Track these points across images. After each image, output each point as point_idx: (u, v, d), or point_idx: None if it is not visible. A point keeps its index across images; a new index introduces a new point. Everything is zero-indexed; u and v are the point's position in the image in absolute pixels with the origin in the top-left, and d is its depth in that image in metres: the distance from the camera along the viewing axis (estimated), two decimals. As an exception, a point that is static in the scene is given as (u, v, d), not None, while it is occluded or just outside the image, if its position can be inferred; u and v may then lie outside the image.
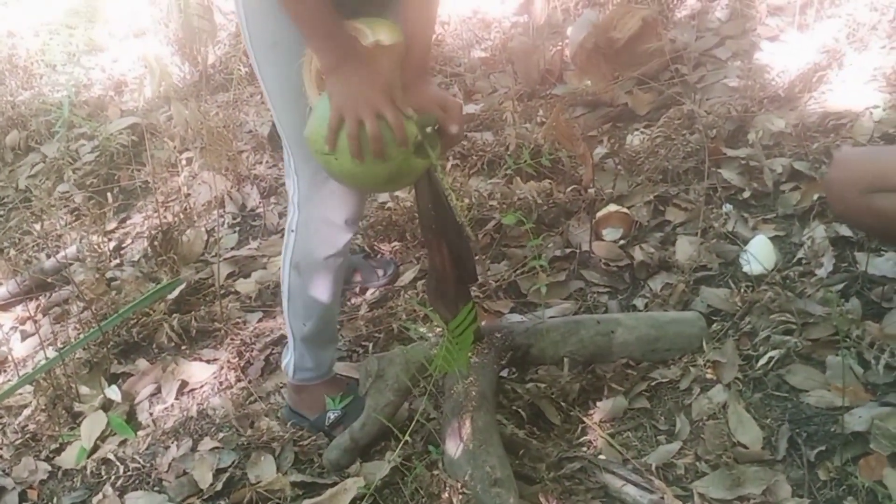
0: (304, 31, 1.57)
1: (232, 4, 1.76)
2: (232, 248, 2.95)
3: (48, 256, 3.09)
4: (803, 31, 2.97)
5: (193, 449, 2.15)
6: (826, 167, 1.75)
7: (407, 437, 1.76)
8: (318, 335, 1.97)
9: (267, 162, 3.30)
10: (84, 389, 2.41)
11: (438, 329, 2.18)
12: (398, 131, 1.55)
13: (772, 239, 2.19)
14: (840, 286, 2.00)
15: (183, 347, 2.52)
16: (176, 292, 2.65)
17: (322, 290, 1.91)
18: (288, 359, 2.03)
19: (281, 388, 2.25)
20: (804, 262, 2.11)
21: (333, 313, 2.00)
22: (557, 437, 1.88)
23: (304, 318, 1.94)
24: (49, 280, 2.91)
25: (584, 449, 1.83)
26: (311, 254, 1.85)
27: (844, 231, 2.14)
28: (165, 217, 3.05)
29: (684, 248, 2.28)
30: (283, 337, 2.43)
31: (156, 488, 2.07)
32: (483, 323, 2.00)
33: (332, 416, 2.04)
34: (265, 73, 1.72)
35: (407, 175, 1.66)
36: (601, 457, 1.79)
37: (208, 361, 2.44)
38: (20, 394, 2.45)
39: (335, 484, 1.89)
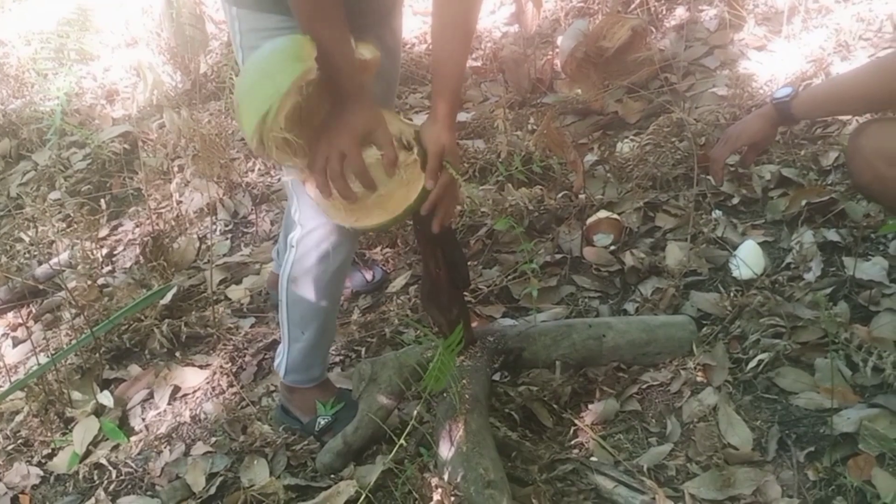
0: (327, 51, 1.54)
1: (223, 15, 1.77)
2: (224, 255, 2.96)
3: (40, 263, 3.09)
4: (790, 40, 3.00)
5: (186, 453, 2.16)
6: (853, 136, 1.72)
7: (402, 441, 1.77)
8: (315, 342, 1.98)
9: (259, 169, 3.31)
10: (76, 395, 2.41)
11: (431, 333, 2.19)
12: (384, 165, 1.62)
13: (761, 244, 2.22)
14: (828, 290, 2.02)
15: (175, 353, 2.52)
16: (168, 298, 2.65)
17: (321, 301, 1.92)
18: (280, 360, 2.03)
19: (273, 391, 2.26)
20: (793, 266, 2.14)
21: (332, 321, 2.02)
22: (550, 440, 1.89)
23: (302, 327, 1.95)
24: (41, 286, 2.91)
25: (576, 451, 1.84)
26: (311, 268, 1.86)
27: (832, 236, 2.17)
28: (157, 224, 3.06)
29: (674, 254, 2.30)
30: (276, 342, 2.44)
31: (148, 493, 2.07)
32: (475, 326, 2.01)
33: (322, 421, 2.04)
34: None
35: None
36: (593, 459, 1.80)
37: (201, 367, 2.45)
38: (12, 399, 2.44)
39: (328, 487, 1.90)
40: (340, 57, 1.55)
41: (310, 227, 1.82)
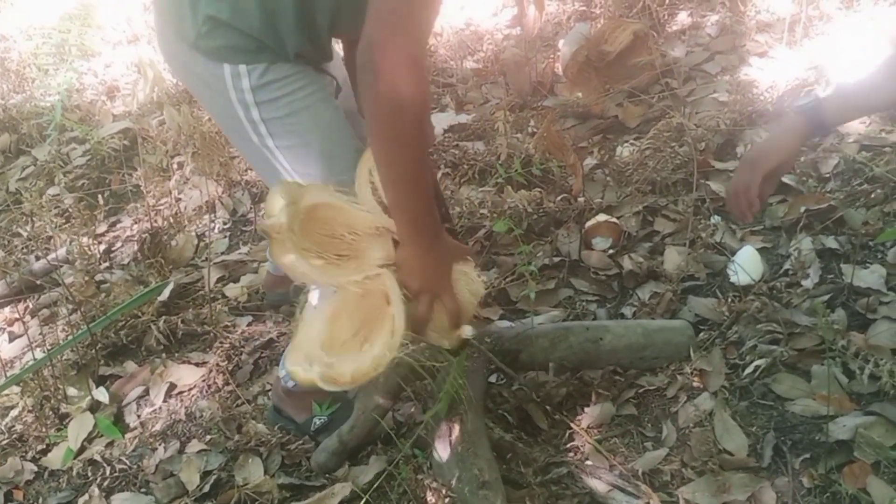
0: (408, 207, 1.48)
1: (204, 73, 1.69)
2: (222, 253, 2.96)
3: (37, 258, 3.09)
4: (792, 47, 3.00)
5: (181, 451, 2.16)
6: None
7: (397, 441, 1.77)
8: None
9: (258, 168, 3.30)
10: (72, 391, 2.41)
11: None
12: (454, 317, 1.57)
13: (759, 250, 2.21)
14: (826, 297, 2.02)
15: (172, 351, 2.52)
16: (166, 295, 2.65)
17: None
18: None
19: (268, 390, 2.26)
20: (791, 273, 2.14)
21: None
22: (545, 443, 1.89)
23: None
24: (38, 282, 2.90)
25: (572, 454, 1.84)
26: None
27: (831, 243, 2.17)
28: (156, 221, 3.05)
29: (672, 258, 2.30)
30: (272, 341, 2.44)
31: (142, 490, 2.07)
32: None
33: (317, 421, 2.04)
34: (284, 145, 1.70)
35: None
36: (588, 462, 1.80)
37: (197, 365, 2.44)
38: (7, 394, 2.44)
39: (323, 487, 1.90)
40: (424, 188, 1.49)
41: None
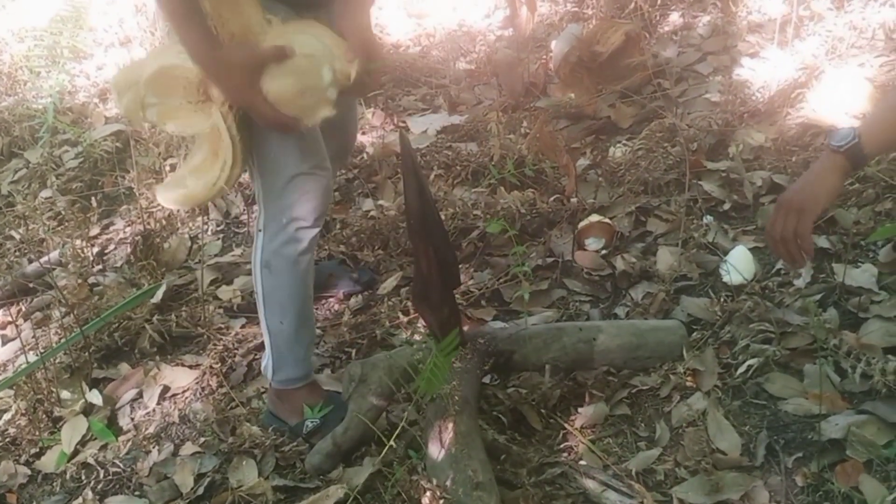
0: (176, 29, 1.63)
1: None
2: (215, 255, 2.95)
3: (30, 261, 3.08)
4: (783, 47, 3.01)
5: (175, 454, 2.15)
6: None
7: (392, 443, 1.77)
8: (295, 333, 1.98)
9: (251, 170, 3.29)
10: (65, 394, 2.40)
11: (420, 336, 2.20)
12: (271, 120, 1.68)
13: (751, 250, 2.22)
14: (818, 296, 2.03)
15: (165, 353, 2.51)
16: (159, 297, 2.64)
17: (295, 286, 1.94)
18: (266, 361, 2.04)
19: (262, 393, 2.25)
20: (783, 272, 2.15)
21: (309, 310, 2.02)
22: (538, 443, 1.89)
23: (280, 316, 1.96)
24: (31, 285, 2.90)
25: (565, 454, 1.85)
26: (279, 251, 1.89)
27: (822, 243, 2.18)
28: (148, 223, 3.05)
29: (665, 259, 2.30)
30: (266, 344, 2.43)
31: (136, 493, 2.06)
32: (466, 329, 2.01)
33: (310, 424, 2.04)
34: None
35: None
36: (582, 462, 1.80)
37: (190, 367, 2.44)
38: (0, 398, 2.43)
39: (317, 489, 1.90)
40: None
41: (276, 209, 1.85)
